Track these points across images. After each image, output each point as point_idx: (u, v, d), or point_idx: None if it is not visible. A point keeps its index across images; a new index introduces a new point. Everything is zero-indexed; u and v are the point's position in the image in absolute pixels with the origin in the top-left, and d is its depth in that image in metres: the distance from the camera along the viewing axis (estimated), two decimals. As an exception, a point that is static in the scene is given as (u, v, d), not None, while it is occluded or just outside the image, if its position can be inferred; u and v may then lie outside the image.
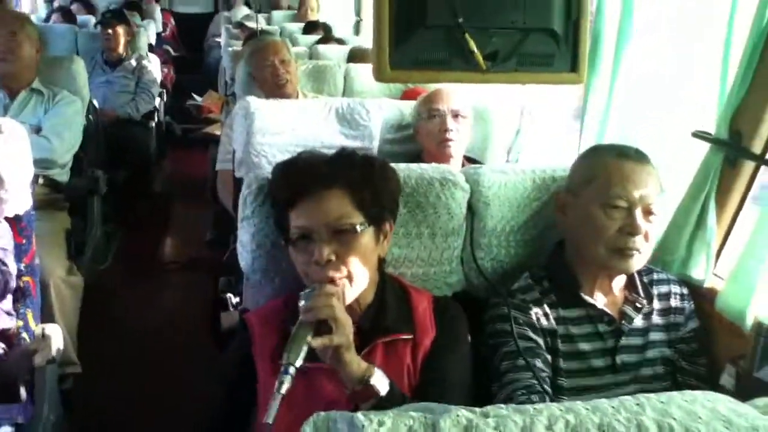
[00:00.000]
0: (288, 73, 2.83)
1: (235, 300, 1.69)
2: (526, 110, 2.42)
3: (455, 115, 2.14)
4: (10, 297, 1.70)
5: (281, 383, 1.03)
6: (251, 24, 5.36)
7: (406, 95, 2.73)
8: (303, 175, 1.23)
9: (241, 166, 2.08)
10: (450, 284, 1.49)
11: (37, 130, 2.68)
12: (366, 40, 4.40)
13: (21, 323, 1.70)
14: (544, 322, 1.36)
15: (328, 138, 2.08)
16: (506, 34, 1.18)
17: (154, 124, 4.52)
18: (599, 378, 1.36)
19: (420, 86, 2.61)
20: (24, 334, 1.68)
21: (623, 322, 1.38)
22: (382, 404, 1.08)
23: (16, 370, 1.56)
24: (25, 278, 1.74)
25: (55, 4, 6.51)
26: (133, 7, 6.61)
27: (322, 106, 2.15)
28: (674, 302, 1.43)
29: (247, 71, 3.00)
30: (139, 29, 5.10)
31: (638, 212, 1.31)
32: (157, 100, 4.67)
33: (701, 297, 1.48)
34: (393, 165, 1.36)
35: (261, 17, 5.25)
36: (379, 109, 2.18)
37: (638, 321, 1.39)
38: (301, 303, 1.12)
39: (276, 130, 2.04)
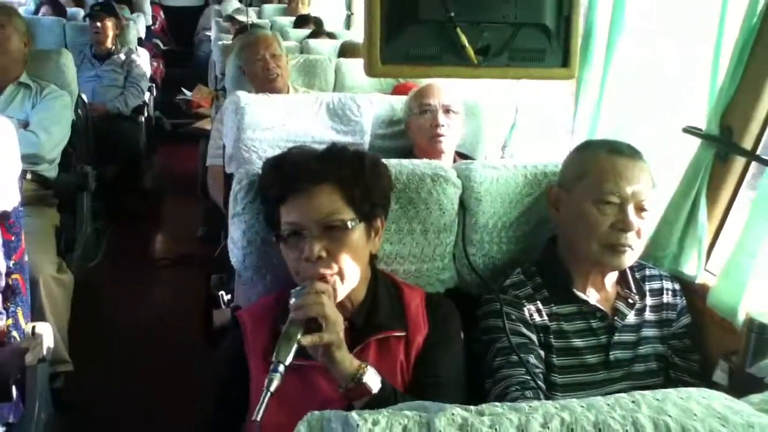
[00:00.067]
0: (279, 67, 2.81)
1: (227, 297, 1.68)
2: (521, 105, 2.42)
3: (446, 111, 2.13)
4: (-1, 295, 1.68)
5: (270, 381, 1.03)
6: (242, 17, 5.32)
7: (398, 90, 2.73)
8: (293, 171, 1.22)
9: (232, 161, 2.07)
10: (442, 281, 1.49)
11: (24, 124, 2.65)
12: (357, 34, 4.39)
13: (11, 322, 1.68)
14: (536, 318, 1.36)
15: (319, 133, 2.07)
16: (498, 29, 1.18)
17: (143, 119, 4.48)
18: (592, 374, 1.36)
19: (411, 81, 2.60)
20: (14, 333, 1.67)
21: (616, 318, 1.39)
22: (374, 402, 1.08)
23: (7, 369, 1.54)
24: (14, 276, 1.72)
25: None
26: (122, -1, 6.55)
27: (312, 101, 2.14)
28: (666, 298, 1.44)
29: (238, 65, 2.98)
30: (129, 22, 5.06)
31: (630, 208, 1.31)
32: (147, 95, 4.64)
33: (693, 293, 1.48)
34: (384, 160, 1.36)
35: (252, 11, 5.23)
36: (370, 104, 2.18)
37: (631, 317, 1.40)
38: (292, 301, 1.12)
39: (266, 125, 2.03)
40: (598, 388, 1.35)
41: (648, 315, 1.41)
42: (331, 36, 4.44)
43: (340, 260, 1.18)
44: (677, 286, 1.46)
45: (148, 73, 4.67)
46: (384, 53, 1.16)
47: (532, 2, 1.19)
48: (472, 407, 0.61)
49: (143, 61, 4.55)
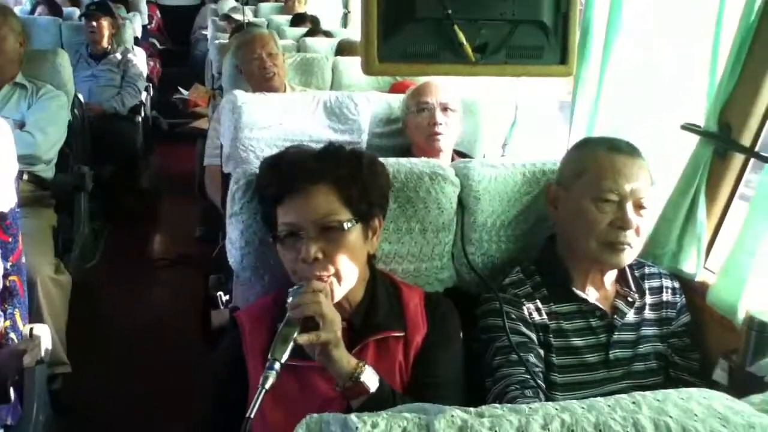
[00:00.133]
0: (275, 66, 2.80)
1: (225, 298, 1.67)
2: (521, 103, 2.42)
3: (444, 109, 2.13)
4: (-4, 297, 1.67)
5: (266, 378, 1.02)
6: (238, 16, 5.30)
7: (395, 88, 2.72)
8: (290, 171, 1.21)
9: (229, 161, 2.06)
10: (441, 280, 1.48)
11: (20, 125, 2.64)
12: (354, 32, 4.38)
13: (8, 323, 1.68)
14: (536, 316, 1.35)
15: (317, 132, 2.06)
16: (495, 26, 1.17)
17: (140, 119, 4.47)
18: (592, 373, 1.36)
19: (409, 79, 2.60)
20: (12, 335, 1.66)
21: (615, 316, 1.38)
22: (372, 401, 1.08)
23: (5, 371, 1.54)
24: (12, 277, 1.71)
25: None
26: (118, -2, 6.53)
27: (310, 100, 2.13)
28: (666, 296, 1.43)
29: (234, 64, 2.97)
30: (125, 22, 5.04)
31: (629, 206, 1.31)
32: (144, 94, 4.63)
33: (692, 291, 1.48)
34: (382, 159, 1.35)
35: (248, 9, 5.23)
36: (368, 102, 2.17)
37: (630, 316, 1.39)
38: (289, 299, 1.12)
39: (264, 124, 2.02)
40: (598, 387, 1.35)
41: (647, 313, 1.41)
42: (328, 34, 4.43)
43: (337, 261, 1.17)
44: (677, 284, 1.46)
45: (145, 72, 4.66)
46: (381, 51, 1.15)
47: (530, -1, 1.18)
48: (471, 409, 0.60)
49: (140, 60, 4.53)
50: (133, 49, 4.65)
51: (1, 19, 2.67)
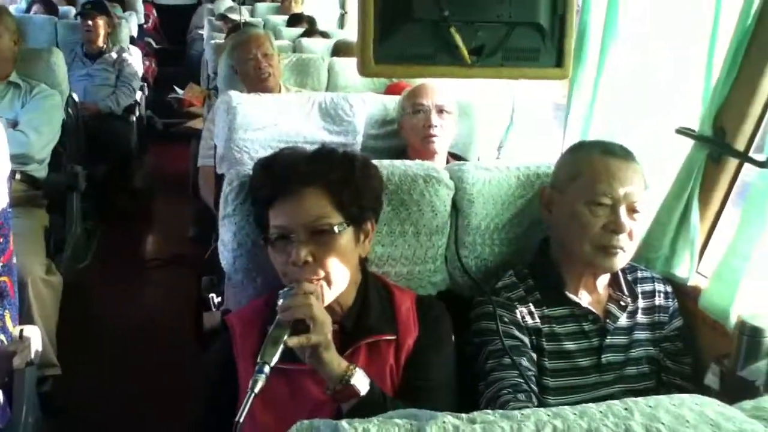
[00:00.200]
0: (271, 66, 2.80)
1: (217, 300, 1.66)
2: (517, 106, 2.41)
3: (440, 111, 2.13)
4: (-14, 298, 1.66)
5: (255, 382, 1.02)
6: (235, 16, 5.29)
7: (391, 90, 2.72)
8: (282, 174, 1.21)
9: (223, 162, 2.06)
10: (434, 283, 1.48)
11: (14, 124, 2.63)
12: (351, 33, 4.38)
13: (-1, 324, 1.67)
14: (529, 320, 1.35)
15: (311, 133, 2.06)
16: (492, 28, 1.17)
17: (135, 118, 4.46)
18: (584, 377, 1.36)
19: (404, 81, 2.59)
20: (1, 336, 1.64)
21: (608, 320, 1.38)
22: (362, 404, 1.08)
23: (-6, 373, 1.53)
24: (2, 278, 1.70)
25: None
26: (114, -3, 6.51)
27: (305, 101, 2.13)
28: (658, 301, 1.43)
29: (230, 64, 2.96)
30: (121, 21, 5.02)
31: (622, 210, 1.30)
32: (138, 94, 4.61)
33: (685, 295, 1.48)
34: (376, 162, 1.35)
35: (244, 9, 5.21)
36: (363, 103, 2.16)
37: (623, 320, 1.39)
38: (279, 302, 1.11)
39: (258, 125, 2.01)
40: (590, 391, 1.34)
41: (640, 317, 1.41)
42: (325, 35, 4.43)
43: (327, 265, 1.17)
44: (669, 289, 1.46)
45: (140, 71, 4.65)
46: (377, 53, 1.15)
47: (527, 1, 1.18)
48: (463, 415, 0.60)
49: (135, 59, 4.52)
50: (128, 48, 4.63)
51: (-5, 18, 2.65)
